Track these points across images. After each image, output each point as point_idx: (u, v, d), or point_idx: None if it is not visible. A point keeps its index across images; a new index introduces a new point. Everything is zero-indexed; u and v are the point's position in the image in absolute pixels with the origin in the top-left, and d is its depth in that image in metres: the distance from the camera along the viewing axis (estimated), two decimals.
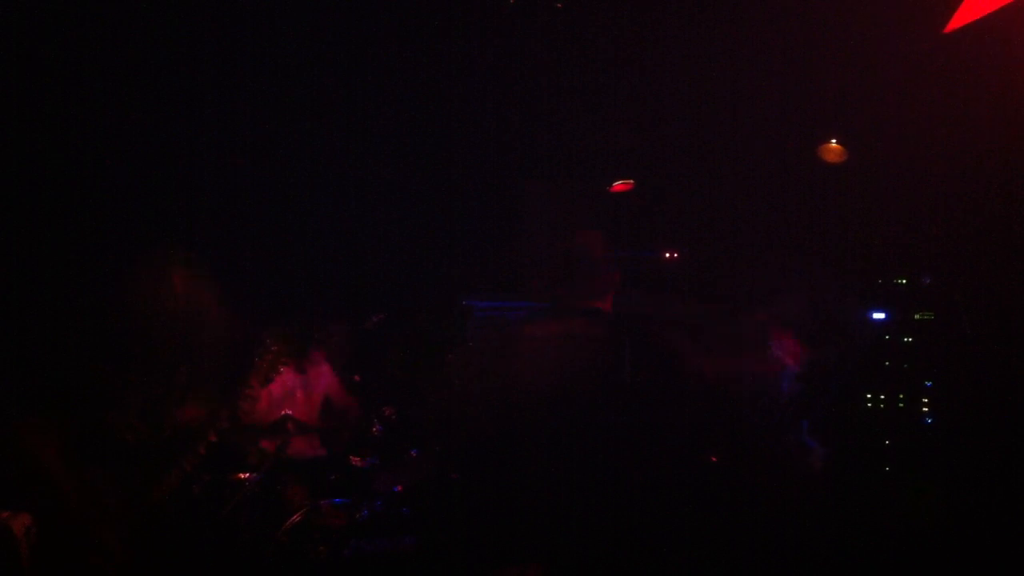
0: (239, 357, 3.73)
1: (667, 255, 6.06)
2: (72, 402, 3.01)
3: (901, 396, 4.56)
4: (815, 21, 4.31)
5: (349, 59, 5.06)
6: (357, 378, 5.04)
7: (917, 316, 4.58)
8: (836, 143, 5.25)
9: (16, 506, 3.04)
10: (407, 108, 5.65)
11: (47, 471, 2.98)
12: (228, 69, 4.85)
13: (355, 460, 4.54)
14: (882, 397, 4.62)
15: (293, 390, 4.85)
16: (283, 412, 4.54)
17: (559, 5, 4.60)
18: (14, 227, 4.02)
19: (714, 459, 4.90)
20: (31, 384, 3.02)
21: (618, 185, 6.28)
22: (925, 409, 4.48)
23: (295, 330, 4.88)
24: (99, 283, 3.20)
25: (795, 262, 5.26)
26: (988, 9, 3.42)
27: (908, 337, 4.58)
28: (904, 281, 4.66)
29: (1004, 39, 3.68)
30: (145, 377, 3.19)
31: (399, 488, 4.59)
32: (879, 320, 4.69)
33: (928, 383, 4.49)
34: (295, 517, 4.27)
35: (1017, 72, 3.80)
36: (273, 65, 4.95)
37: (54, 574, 3.01)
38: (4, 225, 3.94)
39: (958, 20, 3.49)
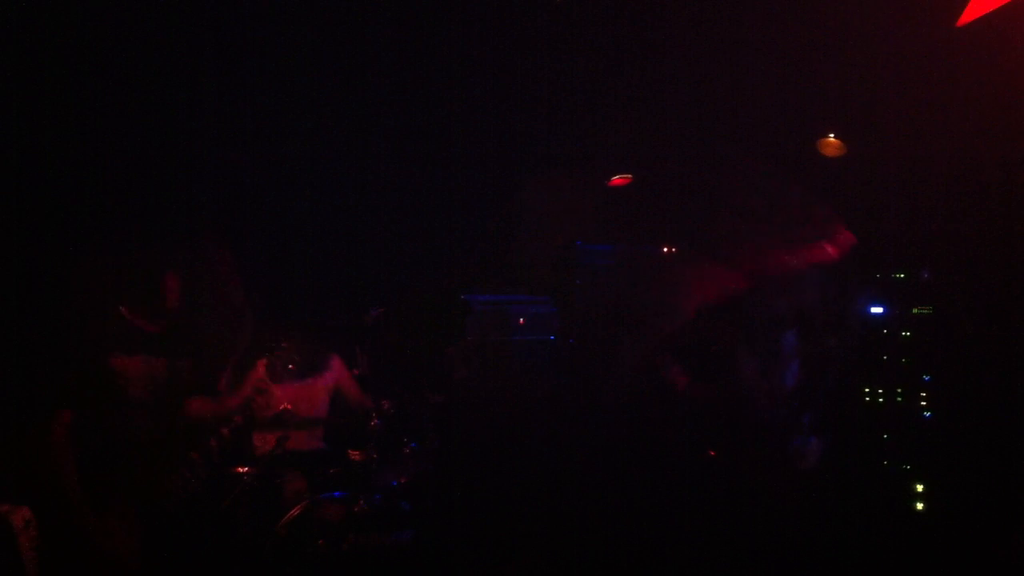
0: (246, 353, 3.73)
1: (665, 250, 6.06)
2: (77, 400, 3.01)
3: (899, 391, 4.57)
4: (815, 17, 4.31)
5: (349, 56, 5.06)
6: (356, 372, 5.04)
7: (915, 311, 4.58)
8: (835, 137, 5.25)
9: (15, 500, 3.04)
10: (406, 103, 5.64)
11: (48, 468, 2.97)
12: (228, 67, 4.84)
13: (354, 454, 4.54)
14: (880, 392, 4.63)
15: (292, 384, 4.85)
16: (282, 406, 4.54)
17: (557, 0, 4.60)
18: (15, 226, 4.01)
19: (712, 453, 4.91)
20: (39, 381, 3.02)
21: (616, 179, 6.28)
22: (923, 404, 4.49)
23: (301, 326, 4.89)
24: (103, 281, 3.19)
25: (794, 257, 5.27)
26: (990, 7, 3.42)
27: (906, 332, 4.59)
28: (902, 276, 4.67)
29: (1004, 36, 3.69)
30: (150, 375, 3.19)
31: (398, 482, 4.59)
32: (877, 315, 4.70)
33: (926, 378, 4.50)
34: (294, 511, 4.27)
35: (1017, 68, 3.80)
36: (273, 62, 4.95)
37: (53, 567, 3.01)
38: (5, 224, 3.93)
39: (965, 17, 3.49)
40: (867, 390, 4.66)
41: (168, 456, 3.14)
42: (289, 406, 4.54)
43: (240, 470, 4.30)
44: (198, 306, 3.38)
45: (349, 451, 4.57)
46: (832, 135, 5.22)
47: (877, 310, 4.72)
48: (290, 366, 4.82)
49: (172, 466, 3.12)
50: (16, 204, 4.03)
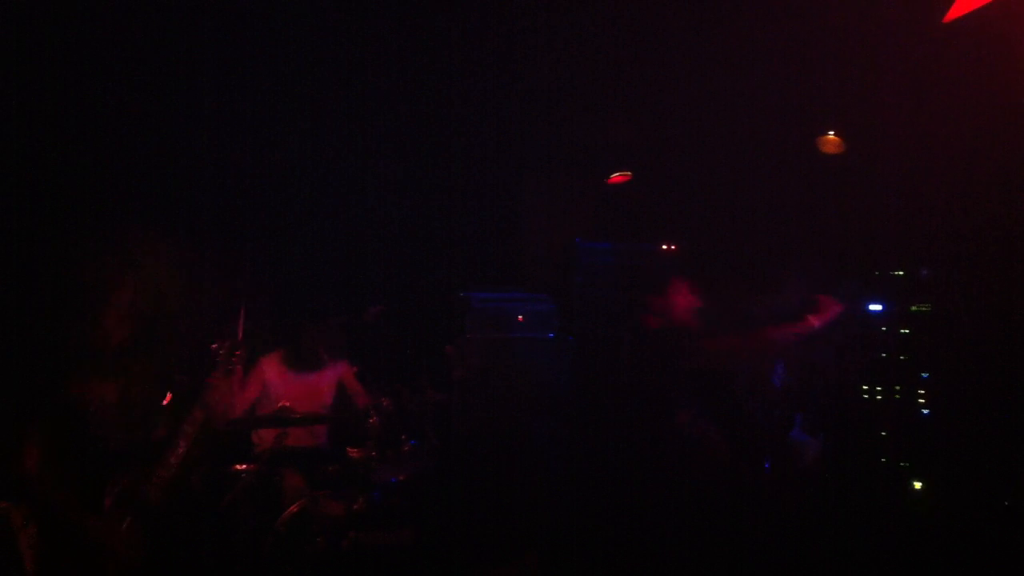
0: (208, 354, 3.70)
1: (665, 247, 6.06)
2: (52, 415, 3.01)
3: (898, 388, 4.57)
4: (815, 15, 4.31)
5: (348, 55, 5.06)
6: (355, 369, 5.05)
7: (914, 308, 4.58)
8: (834, 135, 5.26)
9: (15, 498, 3.04)
10: (406, 102, 5.65)
11: (37, 477, 2.98)
12: (228, 66, 4.85)
13: (353, 452, 4.54)
14: (879, 389, 4.62)
15: (292, 381, 4.85)
16: (280, 403, 4.55)
17: None
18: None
19: (723, 450, 4.89)
20: (12, 395, 3.02)
21: (615, 177, 6.29)
22: (922, 401, 4.49)
23: (301, 324, 4.90)
24: (77, 290, 3.17)
25: (793, 254, 5.27)
26: (979, 3, 3.43)
27: (905, 329, 4.59)
28: (901, 273, 4.67)
29: (1003, 32, 3.69)
30: (122, 386, 3.18)
31: (397, 480, 4.59)
32: (876, 312, 4.70)
33: (925, 375, 4.49)
34: (293, 508, 4.27)
35: (1016, 66, 3.80)
36: (272, 61, 4.96)
37: (52, 565, 3.01)
38: None
39: (956, 11, 3.50)
40: (865, 387, 4.66)
41: (151, 464, 3.13)
42: (287, 403, 4.54)
43: (239, 468, 4.30)
44: (187, 308, 3.36)
45: (348, 449, 4.57)
46: (831, 132, 5.22)
47: (876, 307, 4.71)
48: (283, 364, 4.84)
49: (157, 472, 3.12)
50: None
